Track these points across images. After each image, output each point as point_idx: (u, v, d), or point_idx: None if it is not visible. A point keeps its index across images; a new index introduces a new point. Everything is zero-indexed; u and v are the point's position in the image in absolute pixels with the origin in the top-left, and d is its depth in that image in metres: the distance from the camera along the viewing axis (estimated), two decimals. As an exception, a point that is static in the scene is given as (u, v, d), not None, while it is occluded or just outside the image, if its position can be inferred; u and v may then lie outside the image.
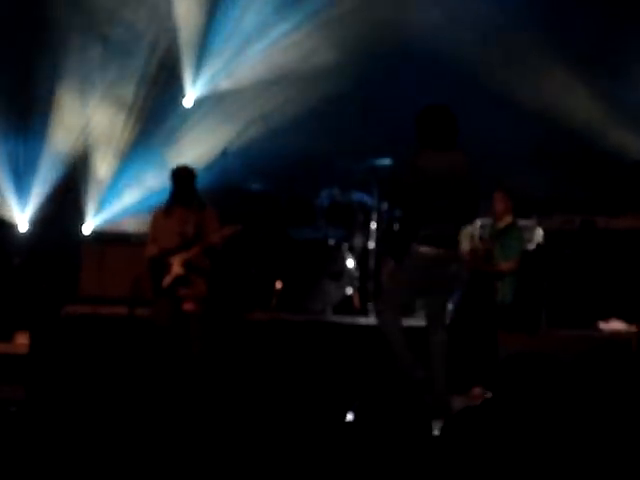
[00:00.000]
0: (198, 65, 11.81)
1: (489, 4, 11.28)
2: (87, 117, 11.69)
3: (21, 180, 11.58)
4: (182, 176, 9.03)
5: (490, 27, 11.24)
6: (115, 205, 11.74)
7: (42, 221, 11.30)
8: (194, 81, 11.87)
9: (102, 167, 11.81)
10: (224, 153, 9.43)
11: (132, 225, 11.16)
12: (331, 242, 10.22)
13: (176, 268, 8.87)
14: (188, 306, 8.85)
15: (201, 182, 9.18)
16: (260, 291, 10.17)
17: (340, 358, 8.98)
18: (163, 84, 11.74)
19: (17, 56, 11.46)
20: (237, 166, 10.56)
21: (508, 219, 9.43)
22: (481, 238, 9.48)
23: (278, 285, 10.11)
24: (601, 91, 11.19)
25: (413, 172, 7.36)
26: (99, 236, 11.18)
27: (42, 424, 6.31)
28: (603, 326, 9.45)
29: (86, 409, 7.24)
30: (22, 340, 9.44)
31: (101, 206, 11.70)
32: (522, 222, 9.69)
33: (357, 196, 10.64)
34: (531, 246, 9.89)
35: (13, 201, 11.55)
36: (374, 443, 6.38)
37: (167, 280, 8.88)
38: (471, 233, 9.55)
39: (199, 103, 11.80)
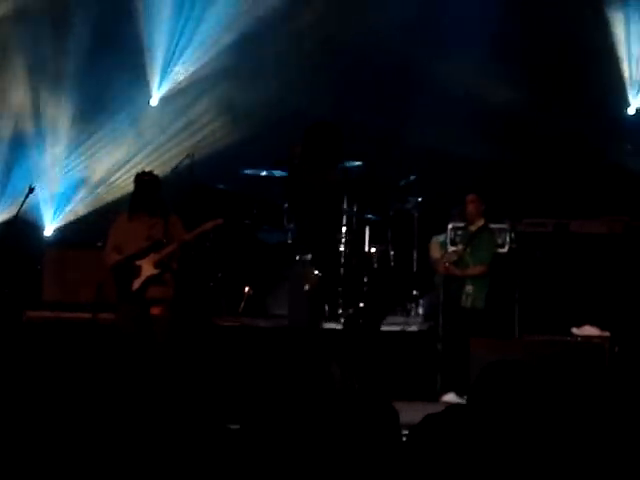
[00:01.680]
0: (164, 64, 11.70)
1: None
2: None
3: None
4: (146, 181, 8.90)
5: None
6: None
7: (3, 223, 11.13)
8: (160, 80, 11.76)
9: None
10: (189, 157, 9.31)
11: None
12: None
13: (148, 269, 8.74)
14: (156, 310, 8.73)
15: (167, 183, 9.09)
16: (229, 296, 10.00)
17: (302, 365, 8.83)
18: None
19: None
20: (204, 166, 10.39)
21: (480, 222, 9.36)
22: (452, 242, 9.38)
23: (246, 290, 9.95)
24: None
25: None
26: (61, 240, 11.03)
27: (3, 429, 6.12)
28: (576, 332, 9.34)
29: (47, 415, 7.08)
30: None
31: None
32: (494, 225, 9.59)
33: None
34: (503, 250, 9.79)
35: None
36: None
37: (137, 283, 8.74)
38: (441, 240, 9.48)
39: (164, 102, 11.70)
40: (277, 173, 10.02)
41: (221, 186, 10.21)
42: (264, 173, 10.19)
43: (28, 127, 11.64)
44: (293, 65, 11.28)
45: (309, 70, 11.32)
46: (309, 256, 7.84)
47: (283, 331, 9.35)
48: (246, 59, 11.42)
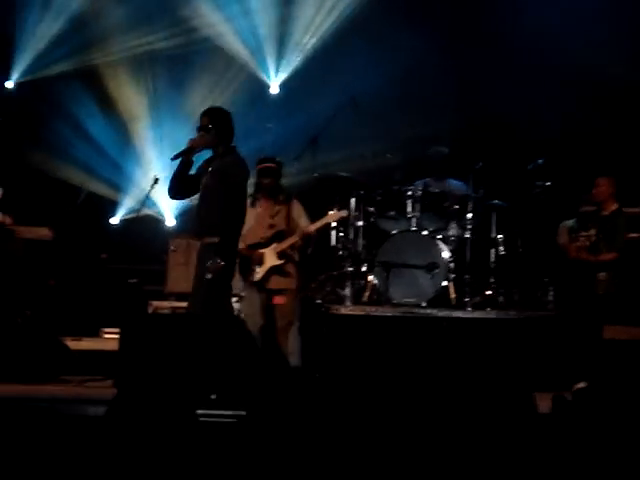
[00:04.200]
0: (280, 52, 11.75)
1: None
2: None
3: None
4: (268, 168, 8.85)
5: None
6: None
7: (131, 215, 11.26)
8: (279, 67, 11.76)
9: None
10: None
11: None
12: (425, 233, 9.84)
13: (271, 259, 8.70)
14: (278, 299, 8.69)
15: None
16: (353, 285, 9.87)
17: (436, 353, 8.70)
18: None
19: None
20: (328, 153, 10.27)
21: (613, 206, 9.01)
22: (584, 227, 9.06)
23: (370, 278, 9.80)
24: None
25: None
26: (184, 230, 11.07)
27: (135, 421, 6.11)
28: None
29: (175, 407, 7.07)
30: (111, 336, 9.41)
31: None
32: (628, 209, 9.24)
33: (452, 184, 10.29)
34: (635, 235, 9.44)
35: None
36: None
37: (260, 272, 8.70)
38: (570, 225, 9.17)
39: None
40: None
41: (344, 174, 10.07)
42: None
43: (148, 118, 11.80)
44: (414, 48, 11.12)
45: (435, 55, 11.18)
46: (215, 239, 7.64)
47: (407, 320, 9.23)
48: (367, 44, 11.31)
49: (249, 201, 8.85)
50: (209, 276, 7.50)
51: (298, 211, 8.92)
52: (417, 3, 11.54)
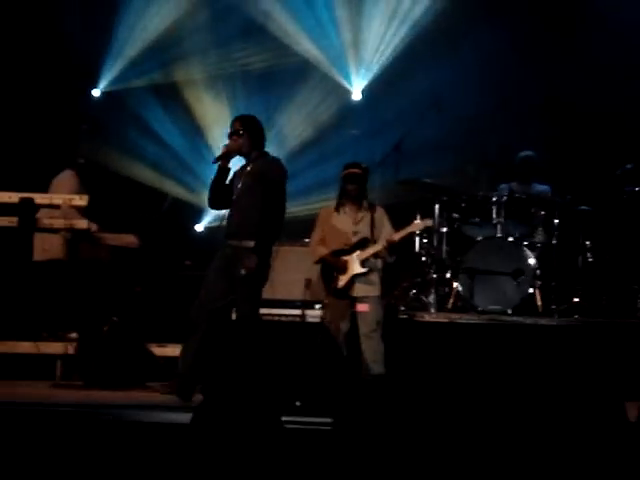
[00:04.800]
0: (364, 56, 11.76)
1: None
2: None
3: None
4: (353, 174, 8.80)
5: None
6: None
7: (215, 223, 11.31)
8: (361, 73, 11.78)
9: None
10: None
11: None
12: (510, 239, 9.72)
13: (354, 267, 8.67)
14: (361, 307, 8.64)
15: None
16: (437, 292, 9.78)
17: (522, 361, 8.57)
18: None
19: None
20: (411, 160, 10.19)
21: None
22: None
23: (454, 285, 9.70)
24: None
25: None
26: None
27: (221, 428, 6.11)
28: None
29: (261, 414, 7.06)
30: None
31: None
32: None
33: (538, 189, 10.15)
34: None
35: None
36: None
37: (343, 280, 8.67)
38: None
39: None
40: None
41: (427, 180, 9.99)
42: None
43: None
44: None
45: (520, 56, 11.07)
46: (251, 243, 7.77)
47: (493, 327, 9.12)
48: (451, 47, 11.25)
49: (333, 206, 8.86)
50: (243, 272, 7.70)
51: (382, 218, 8.86)
52: (500, 4, 11.43)
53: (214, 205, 8.22)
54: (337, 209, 8.84)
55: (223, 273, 7.91)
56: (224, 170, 8.01)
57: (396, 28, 11.68)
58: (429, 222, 9.16)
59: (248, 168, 8.01)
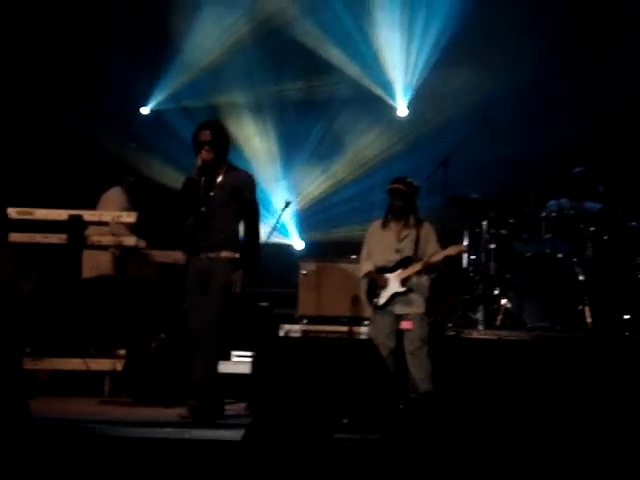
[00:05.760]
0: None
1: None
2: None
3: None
4: (398, 189, 8.78)
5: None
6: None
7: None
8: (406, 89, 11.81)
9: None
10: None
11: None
12: (560, 255, 9.63)
13: (394, 285, 8.65)
14: (405, 324, 8.62)
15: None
16: (486, 308, 9.70)
17: (572, 378, 8.48)
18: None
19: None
20: (458, 176, 10.14)
21: None
22: None
23: (502, 302, 9.62)
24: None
25: None
26: (315, 253, 11.12)
27: (273, 445, 6.10)
28: None
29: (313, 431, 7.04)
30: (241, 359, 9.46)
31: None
32: None
33: (587, 205, 10.04)
34: None
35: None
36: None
37: (384, 297, 8.66)
38: None
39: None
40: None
41: (475, 195, 9.94)
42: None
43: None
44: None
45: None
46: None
47: (542, 344, 9.03)
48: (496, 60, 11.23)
49: (381, 221, 8.83)
50: (238, 289, 7.77)
51: (427, 235, 8.82)
52: (543, 15, 11.38)
53: (182, 217, 8.11)
54: (384, 225, 8.83)
55: (200, 287, 7.85)
56: (196, 182, 7.90)
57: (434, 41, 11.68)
58: (463, 247, 9.17)
59: (218, 180, 7.92)
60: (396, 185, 8.80)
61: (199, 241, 7.91)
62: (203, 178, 7.92)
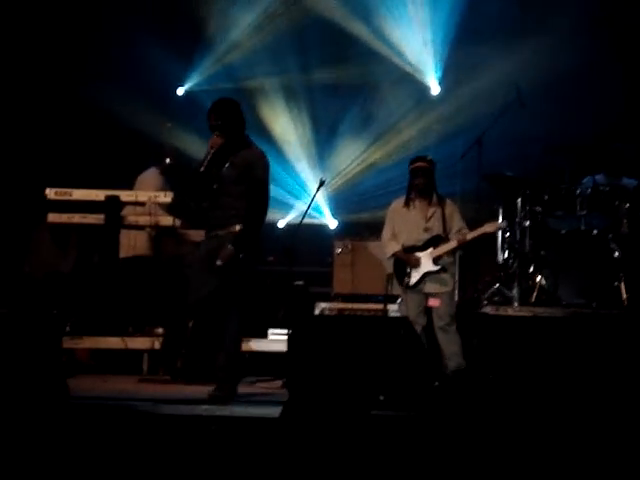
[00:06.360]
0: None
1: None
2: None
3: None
4: (419, 167, 8.77)
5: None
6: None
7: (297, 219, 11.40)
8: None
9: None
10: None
11: None
12: (595, 232, 9.61)
13: (427, 264, 8.66)
14: (433, 302, 8.64)
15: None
16: (521, 285, 9.71)
17: (608, 354, 8.48)
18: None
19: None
20: (492, 152, 10.12)
21: None
22: None
23: (537, 279, 9.62)
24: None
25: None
26: (350, 232, 11.15)
27: (311, 422, 6.15)
28: None
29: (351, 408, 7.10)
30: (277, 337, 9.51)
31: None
32: None
33: (624, 182, 10.00)
34: None
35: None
36: None
37: (415, 277, 8.68)
38: None
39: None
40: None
41: (509, 173, 9.92)
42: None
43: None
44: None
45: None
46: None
47: (578, 321, 9.03)
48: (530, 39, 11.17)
49: (403, 200, 8.84)
50: (219, 262, 7.58)
51: (451, 212, 8.83)
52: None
53: (199, 200, 7.95)
54: (407, 204, 8.83)
55: (206, 264, 7.71)
56: (200, 175, 7.73)
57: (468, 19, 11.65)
58: (503, 224, 9.17)
59: (232, 158, 7.73)
60: (419, 163, 8.80)
61: (211, 218, 7.85)
62: (208, 161, 7.72)
